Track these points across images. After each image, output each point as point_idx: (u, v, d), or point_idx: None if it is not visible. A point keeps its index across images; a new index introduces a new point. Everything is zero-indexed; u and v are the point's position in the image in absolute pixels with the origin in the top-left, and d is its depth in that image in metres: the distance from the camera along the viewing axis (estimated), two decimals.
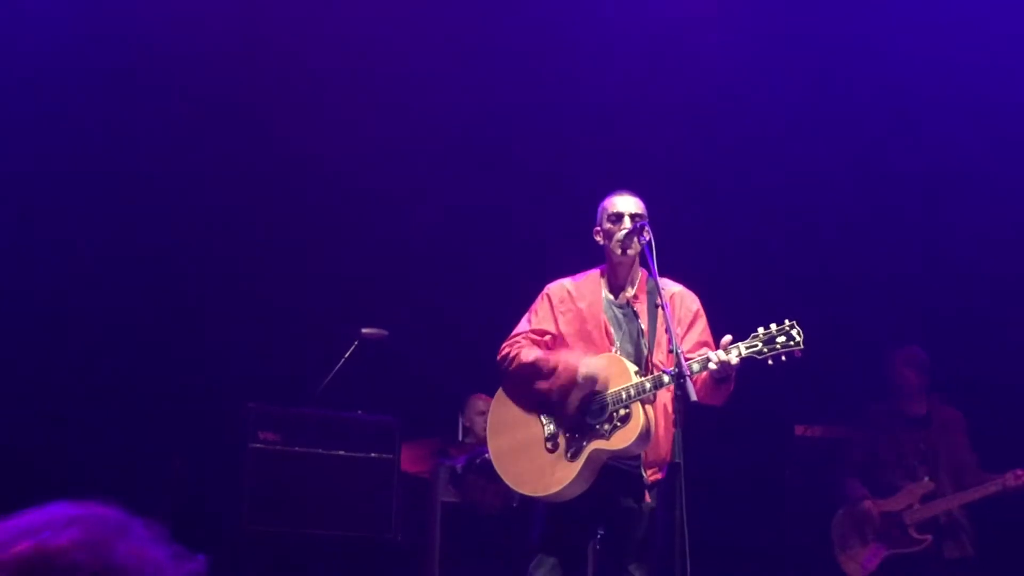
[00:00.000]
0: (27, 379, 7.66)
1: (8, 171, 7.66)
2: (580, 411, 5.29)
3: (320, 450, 6.97)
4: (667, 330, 5.13)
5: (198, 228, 8.14)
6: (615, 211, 5.45)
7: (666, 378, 5.07)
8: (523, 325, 5.53)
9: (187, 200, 8.12)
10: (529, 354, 5.38)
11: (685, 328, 5.35)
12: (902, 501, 7.47)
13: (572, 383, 5.26)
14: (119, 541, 1.35)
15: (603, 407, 5.23)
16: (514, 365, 5.40)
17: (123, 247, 8.01)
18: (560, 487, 5.26)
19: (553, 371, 5.30)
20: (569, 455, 5.27)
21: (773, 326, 5.12)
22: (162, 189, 8.06)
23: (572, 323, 5.45)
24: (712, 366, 5.04)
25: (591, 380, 5.24)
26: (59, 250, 7.88)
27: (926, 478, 7.49)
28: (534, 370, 5.35)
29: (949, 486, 7.43)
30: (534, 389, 5.36)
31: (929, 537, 7.37)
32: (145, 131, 7.94)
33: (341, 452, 6.99)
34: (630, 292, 5.48)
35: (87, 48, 7.72)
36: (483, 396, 8.04)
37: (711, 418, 5.67)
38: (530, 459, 5.36)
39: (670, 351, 5.09)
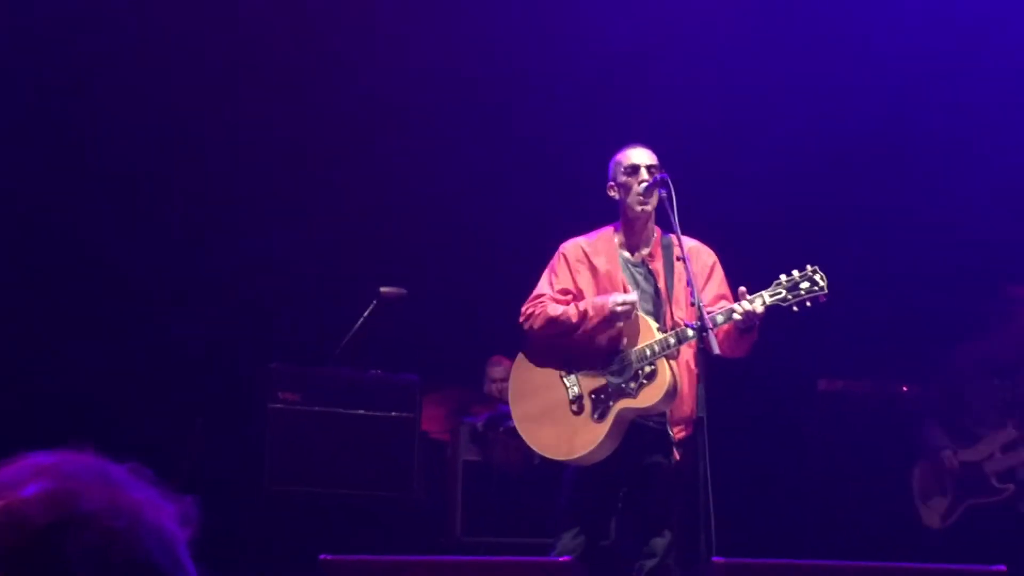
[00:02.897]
0: (46, 342, 7.66)
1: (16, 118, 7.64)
2: (604, 371, 5.26)
3: (340, 409, 6.95)
4: (688, 283, 5.09)
5: (216, 188, 8.11)
6: (630, 163, 5.39)
7: (690, 332, 5.04)
8: (544, 286, 5.47)
9: (207, 159, 8.08)
10: (555, 308, 5.32)
11: (703, 282, 5.29)
12: (983, 450, 7.23)
13: (605, 319, 5.19)
14: (91, 487, 1.32)
15: (627, 365, 5.20)
16: (540, 321, 5.34)
17: (142, 204, 7.99)
18: (589, 449, 5.23)
19: (583, 316, 5.24)
20: (596, 416, 5.23)
21: (795, 272, 5.10)
22: (182, 148, 8.03)
23: (589, 282, 5.41)
24: (737, 316, 5.02)
25: (625, 306, 5.16)
26: (75, 210, 7.85)
27: (1010, 426, 7.22)
28: (563, 321, 5.28)
29: None
30: (562, 346, 5.31)
31: (1011, 486, 7.12)
32: (162, 83, 7.89)
33: (361, 411, 6.98)
34: (645, 250, 5.43)
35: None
36: (500, 358, 8.03)
37: (733, 373, 5.64)
38: (556, 423, 5.32)
39: (692, 304, 5.05)
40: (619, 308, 5.15)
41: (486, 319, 7.81)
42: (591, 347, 5.29)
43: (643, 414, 5.22)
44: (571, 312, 5.27)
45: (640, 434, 5.25)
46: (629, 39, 8.19)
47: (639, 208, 5.36)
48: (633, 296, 5.19)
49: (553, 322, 5.30)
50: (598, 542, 5.35)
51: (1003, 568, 4.38)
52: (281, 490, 6.77)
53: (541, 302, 5.38)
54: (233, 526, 6.44)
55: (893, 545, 7.49)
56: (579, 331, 5.24)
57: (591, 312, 5.22)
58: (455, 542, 7.18)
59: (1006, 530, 7.06)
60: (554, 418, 5.32)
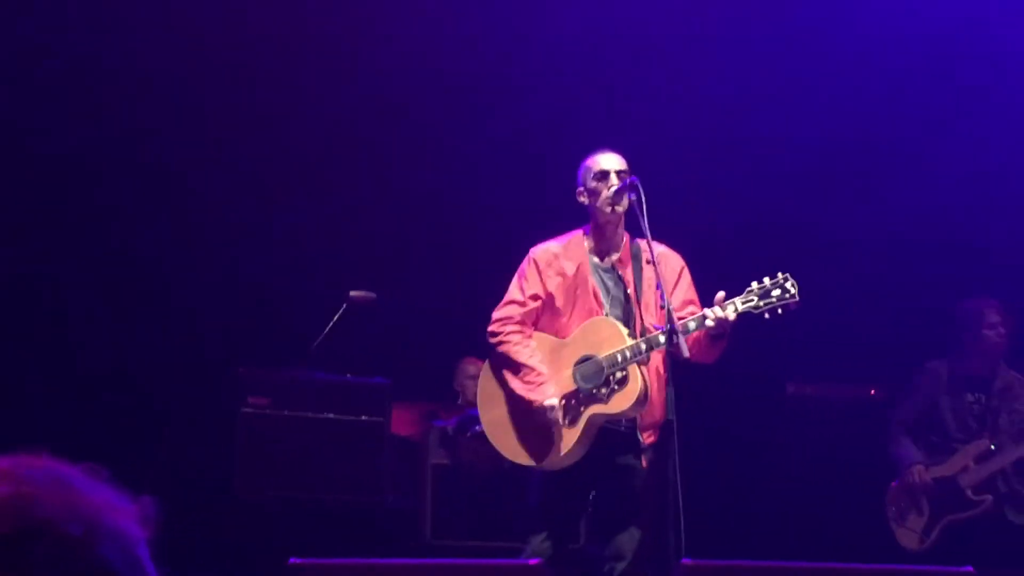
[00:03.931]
0: (16, 346, 7.62)
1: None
2: (574, 377, 5.27)
3: (310, 413, 6.94)
4: (658, 286, 5.11)
5: (186, 189, 8.08)
6: (600, 169, 5.40)
7: (661, 338, 5.05)
8: (514, 292, 5.46)
9: (177, 160, 8.04)
10: (519, 353, 5.35)
11: (671, 288, 5.30)
12: (956, 464, 7.10)
13: (533, 402, 5.25)
14: (47, 492, 1.31)
15: (599, 371, 5.20)
16: (500, 351, 5.39)
17: (113, 209, 7.95)
18: (560, 454, 5.24)
19: (529, 385, 5.29)
20: (567, 422, 5.24)
21: (767, 280, 5.12)
22: (152, 149, 7.99)
23: (560, 287, 5.41)
24: (709, 323, 5.03)
25: (545, 416, 5.22)
26: (49, 219, 7.82)
27: (984, 439, 7.10)
28: (513, 372, 5.35)
29: (1009, 447, 7.04)
30: (509, 383, 5.35)
31: (988, 497, 6.98)
32: (141, 89, 7.85)
33: (331, 415, 6.97)
34: (615, 256, 5.44)
35: None
36: (473, 360, 8.03)
37: (701, 376, 5.66)
38: (525, 429, 5.33)
39: (661, 307, 5.07)
40: (546, 412, 5.22)
41: (456, 323, 7.81)
42: (561, 353, 5.31)
43: (613, 419, 5.24)
44: (525, 372, 5.31)
45: (609, 438, 5.27)
46: (603, 44, 8.21)
47: (609, 212, 5.36)
48: (553, 414, 5.22)
49: (509, 364, 5.36)
50: (567, 545, 5.36)
51: (970, 569, 4.42)
52: (251, 494, 6.76)
53: (513, 321, 5.39)
54: (203, 530, 6.42)
55: (863, 546, 7.53)
56: (518, 388, 5.30)
57: (534, 390, 5.27)
58: (425, 545, 7.18)
59: (990, 543, 6.91)
60: (524, 423, 5.32)
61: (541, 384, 5.27)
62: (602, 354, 5.19)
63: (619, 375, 5.17)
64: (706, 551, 4.87)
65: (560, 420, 5.22)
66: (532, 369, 5.31)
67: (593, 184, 5.39)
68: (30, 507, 1.29)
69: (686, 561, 4.50)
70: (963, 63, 8.20)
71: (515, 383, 5.33)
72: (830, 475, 7.81)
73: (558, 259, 5.44)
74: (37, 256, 7.74)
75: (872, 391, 8.05)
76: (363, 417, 7.02)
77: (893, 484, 7.34)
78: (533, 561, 4.95)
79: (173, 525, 1.44)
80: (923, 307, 7.99)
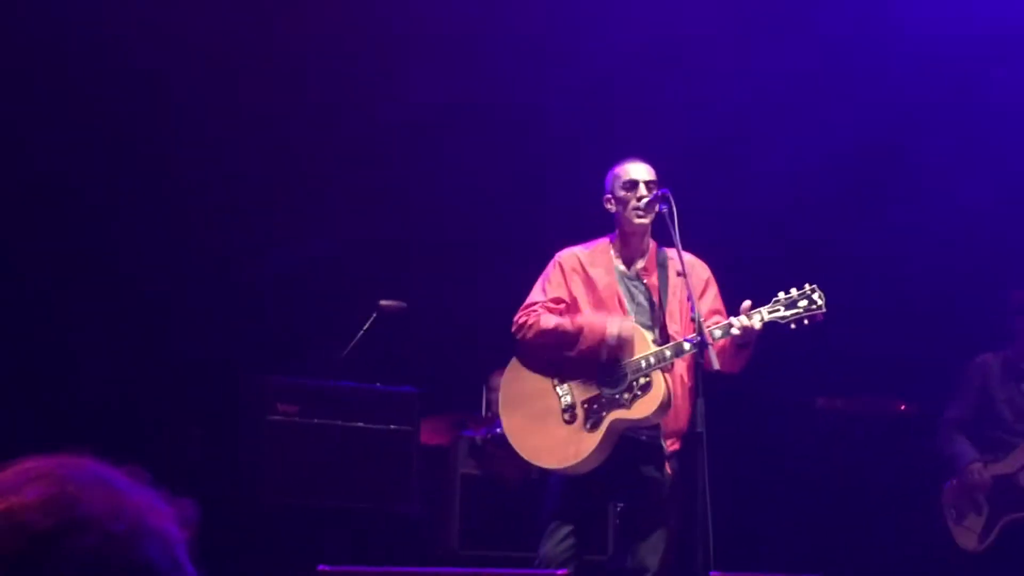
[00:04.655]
0: (45, 351, 7.65)
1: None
2: (598, 381, 5.26)
3: (339, 422, 6.94)
4: (688, 298, 5.10)
5: (215, 196, 8.10)
6: (629, 178, 5.41)
7: (687, 345, 5.04)
8: (537, 294, 5.46)
9: (206, 168, 8.07)
10: (549, 320, 5.31)
11: (697, 297, 5.28)
12: (1015, 461, 6.97)
13: (599, 344, 5.19)
14: (90, 491, 1.32)
15: (622, 376, 5.20)
16: (533, 332, 5.33)
17: (142, 213, 7.98)
18: (580, 459, 5.22)
19: (578, 334, 5.24)
20: (588, 426, 5.23)
21: (794, 290, 5.11)
22: (180, 156, 8.02)
23: (584, 292, 5.41)
24: (735, 331, 5.03)
25: (620, 339, 5.16)
26: (72, 217, 7.85)
27: None
28: (556, 336, 5.27)
29: None
30: (554, 357, 5.30)
31: None
32: (162, 88, 7.87)
33: (360, 424, 6.97)
34: (640, 263, 5.44)
35: None
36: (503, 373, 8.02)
37: (732, 389, 5.64)
38: (547, 432, 5.32)
39: (692, 319, 5.06)
40: (614, 341, 5.16)
41: (486, 333, 7.80)
42: (585, 357, 5.29)
43: (635, 426, 5.22)
44: (567, 326, 5.26)
45: (631, 446, 5.25)
46: (628, 55, 8.20)
47: (637, 222, 5.37)
48: (629, 329, 5.17)
49: (547, 334, 5.29)
50: (581, 551, 5.33)
51: None
52: (279, 502, 6.76)
53: (535, 311, 5.37)
54: (231, 538, 6.43)
55: (892, 560, 7.50)
56: (571, 348, 5.24)
57: (586, 332, 5.22)
58: (452, 555, 7.18)
59: None
60: (545, 426, 5.31)
61: (584, 326, 5.22)
62: (626, 359, 5.19)
63: (643, 381, 5.17)
64: (734, 565, 4.86)
65: (630, 333, 5.17)
66: (567, 324, 5.26)
67: (621, 193, 5.41)
68: (74, 505, 1.30)
69: (715, 574, 4.49)
70: (989, 77, 8.17)
71: (564, 350, 5.26)
72: (859, 490, 7.79)
73: (583, 264, 5.45)
74: (45, 260, 7.77)
75: (902, 406, 8.01)
76: (392, 426, 7.01)
77: (950, 483, 7.19)
78: (560, 572, 4.95)
79: (201, 533, 1.45)
80: (954, 322, 7.96)
